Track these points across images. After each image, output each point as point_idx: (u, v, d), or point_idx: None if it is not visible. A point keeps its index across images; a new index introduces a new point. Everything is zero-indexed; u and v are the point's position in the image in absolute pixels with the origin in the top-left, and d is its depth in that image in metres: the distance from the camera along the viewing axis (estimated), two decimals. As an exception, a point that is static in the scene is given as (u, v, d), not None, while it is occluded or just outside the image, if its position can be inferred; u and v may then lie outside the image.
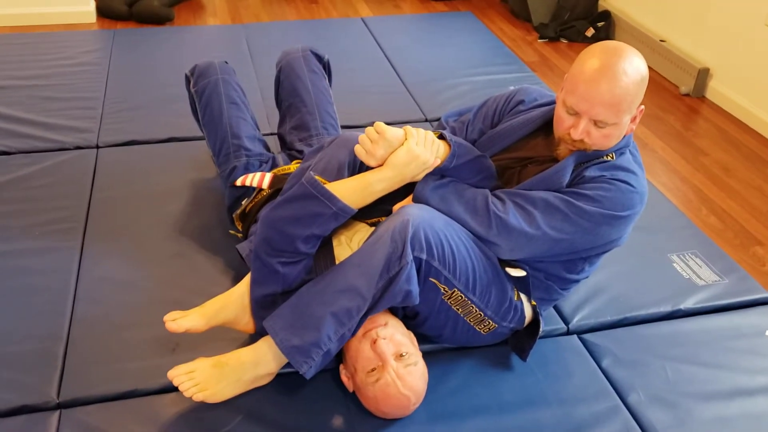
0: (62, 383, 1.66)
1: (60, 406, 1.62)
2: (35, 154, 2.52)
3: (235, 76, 2.27)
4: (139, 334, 1.80)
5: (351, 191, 1.60)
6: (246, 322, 1.69)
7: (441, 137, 1.69)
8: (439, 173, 1.68)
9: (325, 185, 1.59)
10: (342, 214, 1.59)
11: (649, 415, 1.66)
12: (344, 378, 1.64)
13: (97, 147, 2.61)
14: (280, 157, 2.13)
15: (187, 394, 1.53)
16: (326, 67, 2.37)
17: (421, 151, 1.59)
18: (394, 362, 1.53)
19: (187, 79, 2.28)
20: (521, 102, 1.86)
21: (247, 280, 1.69)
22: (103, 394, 1.64)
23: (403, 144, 1.59)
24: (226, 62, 2.29)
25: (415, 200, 1.68)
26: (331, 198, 1.57)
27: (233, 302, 1.66)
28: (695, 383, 1.76)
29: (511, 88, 1.97)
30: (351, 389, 1.63)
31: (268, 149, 2.18)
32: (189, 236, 2.16)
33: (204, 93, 2.17)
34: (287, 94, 2.28)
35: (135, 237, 2.15)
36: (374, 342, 1.54)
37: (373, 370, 1.54)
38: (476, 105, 1.95)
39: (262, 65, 3.26)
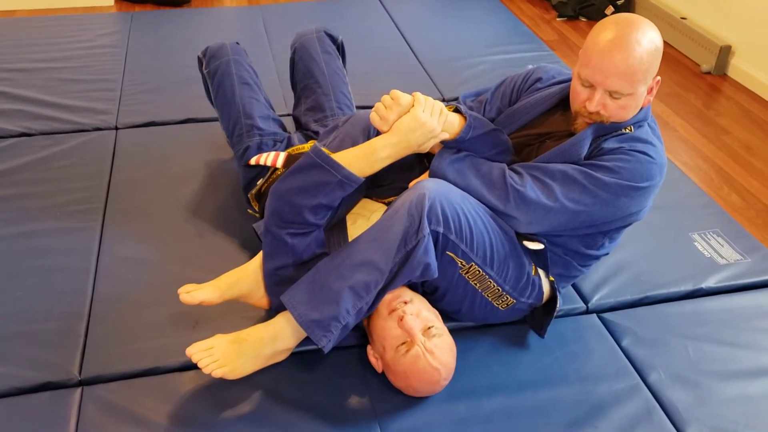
0: (84, 361, 1.68)
1: (82, 383, 1.64)
2: (55, 136, 2.54)
3: (247, 57, 2.27)
4: (159, 312, 1.81)
5: (356, 159, 1.60)
6: (260, 297, 1.70)
7: (456, 111, 1.69)
8: (455, 146, 1.68)
9: (329, 154, 1.59)
10: (348, 182, 1.59)
11: (669, 394, 1.65)
12: (372, 359, 1.64)
13: (116, 128, 2.62)
14: (296, 137, 2.13)
15: (206, 371, 1.54)
16: (340, 48, 2.36)
17: (427, 118, 1.59)
18: (422, 336, 1.53)
19: (200, 61, 2.28)
20: (539, 80, 1.85)
21: (261, 255, 1.70)
22: (124, 372, 1.66)
23: (409, 110, 1.59)
24: (238, 43, 2.29)
25: (432, 174, 1.67)
26: (335, 166, 1.57)
27: (247, 276, 1.67)
28: (717, 362, 1.74)
29: (530, 66, 1.95)
30: (380, 370, 1.63)
31: (284, 129, 2.18)
32: (207, 216, 2.17)
33: (216, 74, 2.17)
34: (302, 75, 2.28)
35: (154, 217, 2.16)
36: (401, 319, 1.54)
37: (402, 344, 1.54)
38: (494, 84, 1.94)
39: (278, 46, 3.25)
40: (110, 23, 3.48)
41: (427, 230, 1.51)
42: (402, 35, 3.44)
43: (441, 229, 1.54)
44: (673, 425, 1.58)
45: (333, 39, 2.34)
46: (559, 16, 4.39)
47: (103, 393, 1.60)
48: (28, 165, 2.38)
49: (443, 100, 2.88)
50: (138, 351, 1.70)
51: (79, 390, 1.60)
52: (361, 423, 1.55)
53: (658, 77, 1.64)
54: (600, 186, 1.60)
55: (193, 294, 1.60)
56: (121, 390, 1.61)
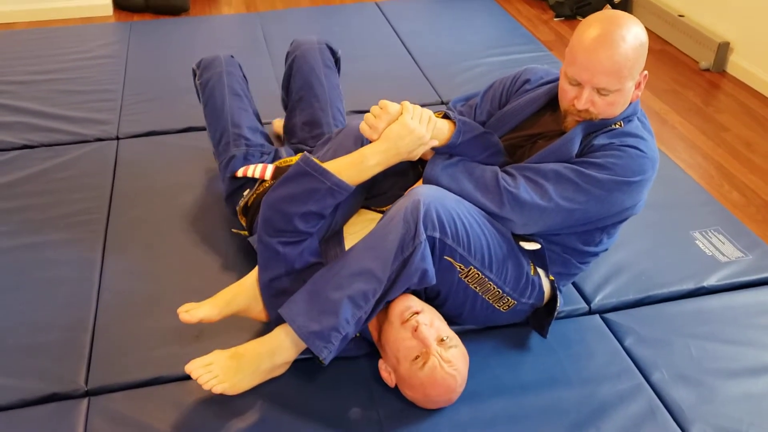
0: (90, 371, 1.69)
1: (88, 394, 1.65)
2: (57, 147, 2.55)
3: (241, 70, 2.26)
4: (163, 322, 1.82)
5: (346, 167, 1.61)
6: (259, 311, 1.70)
7: (445, 117, 1.70)
8: (447, 152, 1.69)
9: (319, 163, 1.60)
10: (338, 190, 1.59)
11: (673, 394, 1.66)
12: (384, 373, 1.63)
13: (117, 138, 2.63)
14: (284, 150, 2.11)
15: (205, 387, 1.54)
16: (337, 63, 2.34)
17: (415, 125, 1.60)
18: (437, 347, 1.52)
19: (194, 73, 2.27)
20: (527, 81, 1.87)
21: (257, 269, 1.70)
22: (129, 382, 1.67)
23: (398, 119, 1.61)
24: (232, 56, 2.28)
25: (426, 181, 1.68)
26: (324, 174, 1.58)
27: (245, 291, 1.67)
28: (720, 361, 1.74)
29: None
30: (393, 384, 1.62)
31: (270, 142, 2.16)
32: (210, 225, 2.18)
33: (208, 85, 2.16)
34: (299, 86, 2.25)
35: (156, 226, 2.17)
36: (415, 329, 1.53)
37: (416, 357, 1.53)
38: (483, 88, 1.95)
39: (277, 53, 3.26)
40: (109, 33, 3.49)
41: (423, 236, 1.52)
42: (400, 39, 3.45)
43: (437, 235, 1.54)
44: (677, 424, 1.59)
45: (333, 52, 2.32)
46: (557, 17, 4.39)
47: (109, 403, 1.61)
48: (30, 177, 2.39)
49: (442, 103, 2.89)
50: (143, 361, 1.71)
51: (85, 401, 1.61)
52: (365, 429, 1.56)
53: (645, 72, 1.65)
54: (593, 183, 1.60)
55: (192, 312, 1.60)
56: (128, 400, 1.62)
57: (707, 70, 3.76)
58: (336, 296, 1.54)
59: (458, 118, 1.68)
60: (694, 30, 3.82)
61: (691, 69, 3.78)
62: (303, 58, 2.27)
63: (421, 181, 1.73)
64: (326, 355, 1.54)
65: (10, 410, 1.60)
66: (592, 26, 1.58)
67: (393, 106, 1.62)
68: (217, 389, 1.54)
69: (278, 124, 2.53)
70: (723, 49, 3.68)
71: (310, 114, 2.20)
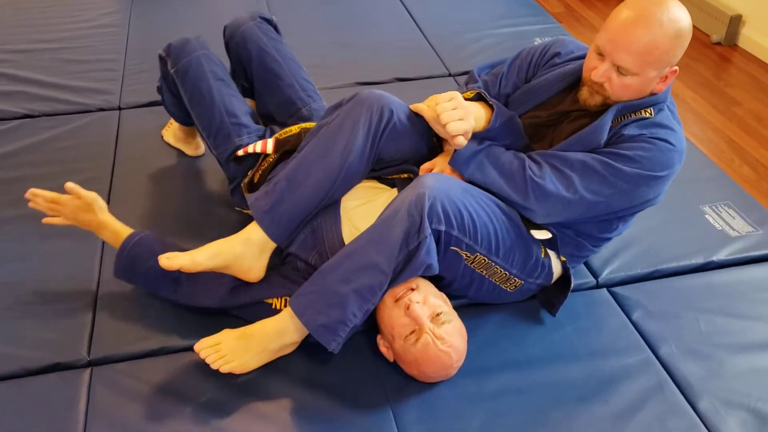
0: (92, 341, 1.68)
1: (91, 364, 1.64)
2: (59, 117, 2.52)
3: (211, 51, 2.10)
4: (167, 293, 1.80)
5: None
6: (242, 271, 1.66)
7: (479, 97, 1.65)
8: (481, 136, 1.64)
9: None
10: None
11: (681, 368, 1.64)
12: (383, 348, 1.62)
13: (119, 108, 2.60)
14: (277, 129, 2.02)
15: (213, 367, 1.54)
16: (276, 29, 2.20)
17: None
18: (430, 324, 1.51)
19: (162, 60, 2.06)
20: (557, 54, 1.80)
21: (247, 228, 1.67)
22: (132, 352, 1.66)
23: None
24: (200, 36, 2.12)
25: (451, 163, 1.64)
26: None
27: (229, 249, 1.63)
28: (729, 335, 1.73)
29: (538, 40, 1.90)
30: (391, 359, 1.62)
31: (258, 121, 2.08)
32: (213, 194, 2.16)
33: (188, 72, 2.01)
34: (257, 71, 2.11)
35: (159, 196, 2.15)
36: (408, 308, 1.52)
37: (410, 333, 1.52)
38: (509, 57, 1.88)
39: (282, 23, 3.20)
40: (111, 2, 3.44)
41: (428, 230, 1.50)
42: (406, 9, 3.40)
43: (443, 227, 1.52)
44: (685, 398, 1.57)
45: (268, 21, 2.18)
46: (566, -12, 4.33)
47: (112, 373, 1.60)
48: (32, 147, 2.36)
49: (449, 75, 2.85)
50: (146, 331, 1.70)
51: (88, 371, 1.60)
52: (371, 399, 1.55)
53: (676, 67, 1.58)
54: (620, 176, 1.57)
55: (172, 260, 1.56)
56: (130, 370, 1.61)
57: (719, 43, 3.70)
58: (343, 290, 1.52)
59: (495, 102, 1.62)
60: (706, 3, 3.76)
61: (702, 42, 3.73)
62: (247, 40, 2.11)
63: (439, 158, 1.69)
64: (334, 347, 1.54)
65: (12, 379, 1.59)
66: (639, 3, 1.51)
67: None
68: (225, 369, 1.54)
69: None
70: (735, 23, 3.63)
71: (279, 96, 2.09)
